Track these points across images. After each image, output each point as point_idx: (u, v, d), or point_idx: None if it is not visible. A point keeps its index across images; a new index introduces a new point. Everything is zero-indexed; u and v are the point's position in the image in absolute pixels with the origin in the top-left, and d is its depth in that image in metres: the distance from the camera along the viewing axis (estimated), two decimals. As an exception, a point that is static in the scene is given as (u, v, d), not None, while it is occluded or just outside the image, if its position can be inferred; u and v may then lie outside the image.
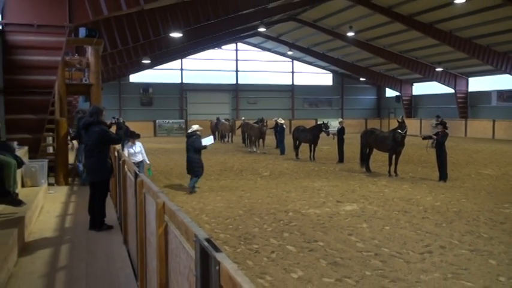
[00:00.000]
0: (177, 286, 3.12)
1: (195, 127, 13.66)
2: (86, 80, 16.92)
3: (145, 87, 45.92)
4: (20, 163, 7.93)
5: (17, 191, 7.73)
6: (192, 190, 13.05)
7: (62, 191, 12.43)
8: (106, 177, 8.43)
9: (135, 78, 45.74)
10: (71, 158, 16.19)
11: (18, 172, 8.56)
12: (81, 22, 12.93)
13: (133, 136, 12.19)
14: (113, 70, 33.44)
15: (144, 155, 12.47)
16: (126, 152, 11.58)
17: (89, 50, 15.54)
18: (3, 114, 12.23)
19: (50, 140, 15.74)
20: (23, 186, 10.01)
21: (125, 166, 7.20)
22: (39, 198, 9.64)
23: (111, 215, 8.90)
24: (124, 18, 19.48)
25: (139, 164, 11.79)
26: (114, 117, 14.44)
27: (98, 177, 8.29)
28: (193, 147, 12.92)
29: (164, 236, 3.53)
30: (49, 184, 12.58)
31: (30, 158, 11.39)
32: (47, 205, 10.39)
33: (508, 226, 8.95)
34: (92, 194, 8.36)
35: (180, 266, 3.00)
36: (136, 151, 12.22)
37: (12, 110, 12.15)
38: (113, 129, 10.04)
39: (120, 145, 11.53)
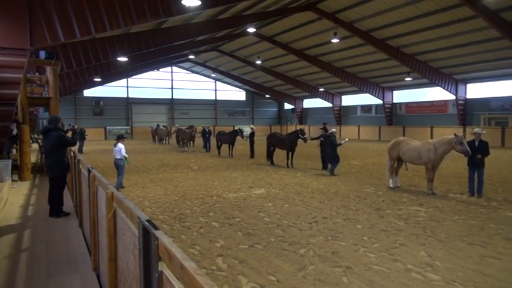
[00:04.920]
0: (124, 258, 2.99)
1: (333, 130, 14.44)
2: (45, 94, 15.70)
3: (97, 100, 43.24)
4: (-15, 163, 7.19)
5: (-17, 186, 6.98)
6: (332, 173, 13.54)
7: (24, 186, 11.40)
8: (63, 173, 7.86)
9: (88, 93, 42.87)
10: (33, 158, 14.85)
11: (-16, 171, 7.73)
12: (40, 46, 11.94)
13: (122, 138, 11.47)
14: (69, 86, 31.18)
15: (123, 151, 11.44)
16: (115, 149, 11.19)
17: (48, 70, 14.47)
18: (-30, 121, 11.00)
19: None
20: (-11, 182, 9.06)
21: (80, 164, 6.74)
22: (4, 192, 8.79)
23: (68, 204, 8.30)
24: (78, 44, 18.28)
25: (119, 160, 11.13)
26: (70, 125, 13.53)
27: (56, 173, 7.70)
28: (332, 143, 13.53)
29: (113, 219, 3.36)
30: (13, 180, 11.51)
31: (-5, 158, 10.33)
32: (11, 197, 9.47)
33: (368, 201, 9.50)
34: (50, 186, 7.76)
35: (126, 242, 2.88)
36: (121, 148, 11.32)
37: (-21, 118, 10.96)
38: (70, 134, 9.41)
39: (77, 146, 10.76)
